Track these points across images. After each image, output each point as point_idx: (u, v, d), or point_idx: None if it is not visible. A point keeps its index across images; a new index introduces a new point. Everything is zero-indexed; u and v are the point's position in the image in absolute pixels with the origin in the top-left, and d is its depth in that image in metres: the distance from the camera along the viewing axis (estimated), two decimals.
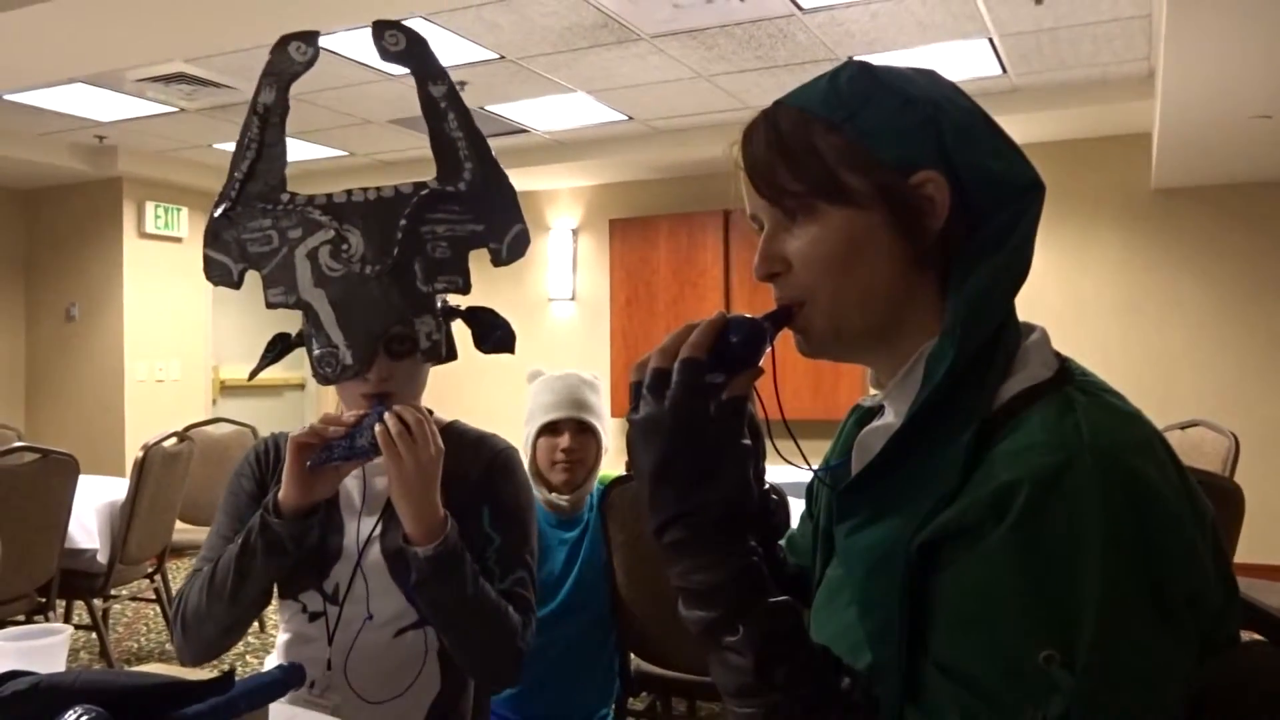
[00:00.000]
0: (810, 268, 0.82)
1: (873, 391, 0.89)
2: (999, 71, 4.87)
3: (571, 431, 2.25)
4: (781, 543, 1.06)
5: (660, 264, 6.69)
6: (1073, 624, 0.66)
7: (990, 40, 4.46)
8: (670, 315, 6.64)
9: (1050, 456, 0.69)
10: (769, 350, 0.81)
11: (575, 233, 7.20)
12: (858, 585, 0.79)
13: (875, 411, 0.91)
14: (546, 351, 7.13)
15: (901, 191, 0.79)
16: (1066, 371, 0.78)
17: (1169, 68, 3.78)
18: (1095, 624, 0.66)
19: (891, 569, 0.74)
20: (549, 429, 2.27)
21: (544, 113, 5.62)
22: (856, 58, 0.86)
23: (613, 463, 2.55)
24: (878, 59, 3.58)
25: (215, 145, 6.36)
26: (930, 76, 0.85)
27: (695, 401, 0.76)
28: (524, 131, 5.98)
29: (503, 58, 4.62)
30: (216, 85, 5.02)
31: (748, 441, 0.79)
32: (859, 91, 0.82)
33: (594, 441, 2.32)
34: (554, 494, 2.31)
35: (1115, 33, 4.36)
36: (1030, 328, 0.82)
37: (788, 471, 0.97)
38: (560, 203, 7.24)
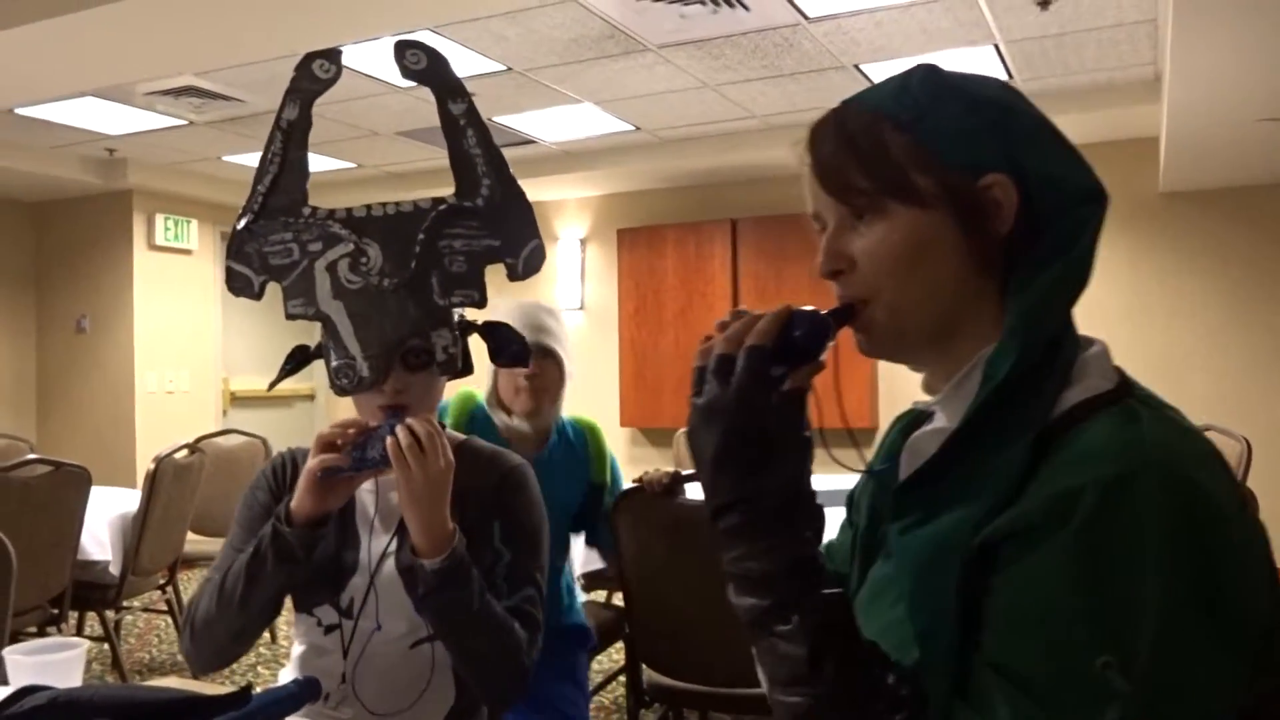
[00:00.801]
0: (876, 266, 0.82)
1: (925, 397, 0.90)
2: (1005, 77, 4.88)
3: (534, 356, 2.24)
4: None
5: (668, 273, 6.70)
6: (1132, 632, 0.66)
7: (996, 46, 4.47)
8: (678, 325, 6.65)
9: (1115, 465, 0.70)
10: (831, 346, 0.82)
11: (583, 242, 7.22)
12: (908, 583, 0.79)
13: (922, 418, 0.92)
14: None
15: (969, 193, 0.80)
16: (1127, 385, 0.79)
17: (1175, 72, 3.78)
18: (1154, 633, 0.66)
19: (946, 567, 0.74)
20: None
21: (551, 123, 5.64)
22: (925, 63, 0.86)
23: (582, 404, 2.54)
24: (884, 66, 3.61)
25: (225, 157, 6.39)
26: (999, 82, 0.86)
27: (759, 388, 0.77)
28: (531, 142, 6.00)
29: (510, 69, 4.63)
30: (226, 98, 5.05)
31: (808, 433, 0.79)
32: (929, 93, 0.83)
33: (555, 367, 2.32)
34: (514, 419, 2.31)
35: (1121, 38, 4.36)
36: (1090, 340, 0.82)
37: (820, 480, 0.98)
38: (568, 213, 7.25)
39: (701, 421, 0.79)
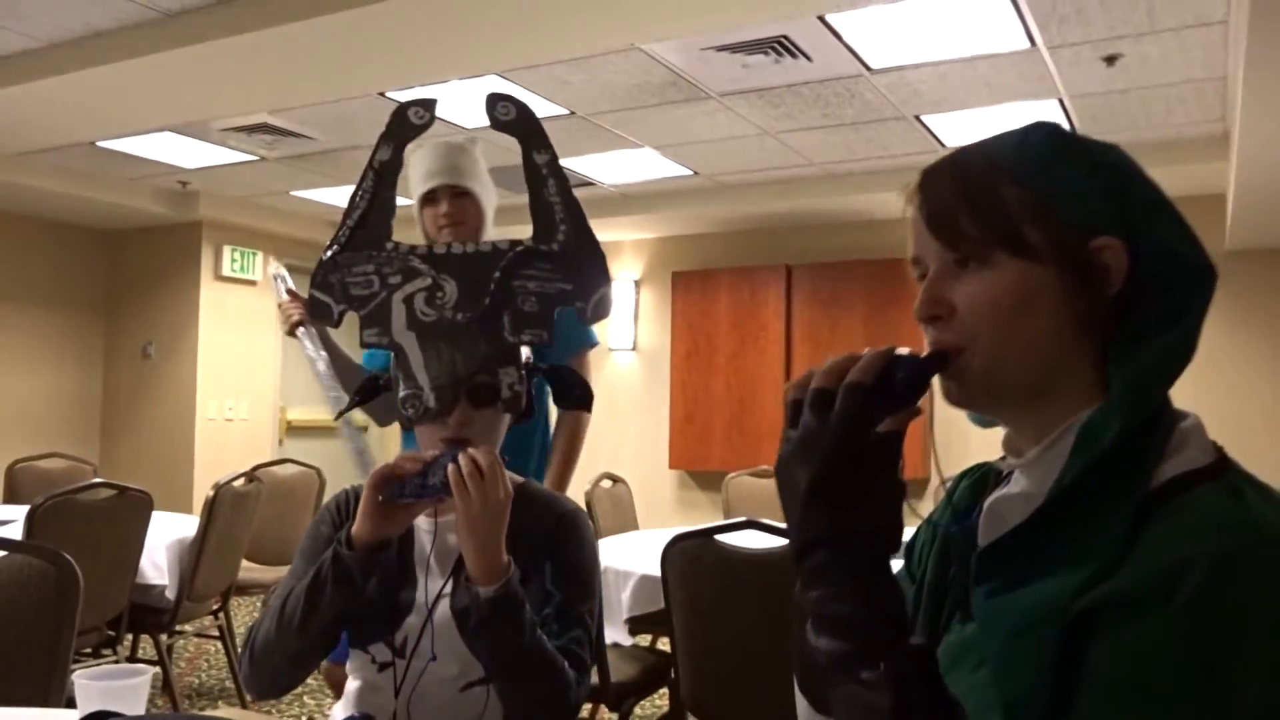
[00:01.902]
0: (977, 314, 0.82)
1: (1009, 458, 0.88)
2: None
3: (448, 197, 2.34)
4: None
5: (721, 317, 6.71)
6: (1234, 711, 0.65)
7: (1060, 101, 4.45)
8: (730, 369, 6.64)
9: (1223, 541, 0.69)
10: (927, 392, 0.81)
11: (638, 284, 7.27)
12: (996, 648, 0.77)
13: (995, 477, 0.90)
14: (606, 402, 7.15)
15: (1081, 253, 0.80)
16: (1226, 460, 0.78)
17: (1245, 129, 3.74)
18: (1257, 713, 0.65)
19: (1039, 635, 0.73)
20: (428, 198, 2.38)
21: (611, 167, 5.71)
22: (1046, 121, 0.87)
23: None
24: (945, 118, 3.62)
25: (293, 192, 6.56)
26: (1117, 149, 0.86)
27: (858, 424, 0.77)
28: (590, 184, 6.08)
29: (573, 113, 4.71)
30: (297, 135, 5.20)
31: (903, 479, 0.78)
32: (1051, 151, 0.83)
33: (473, 204, 2.38)
34: None
35: (1188, 94, 4.32)
36: (1184, 413, 0.81)
37: None
38: (624, 254, 7.32)
39: (796, 454, 0.78)
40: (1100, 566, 0.72)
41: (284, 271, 2.46)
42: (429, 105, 1.46)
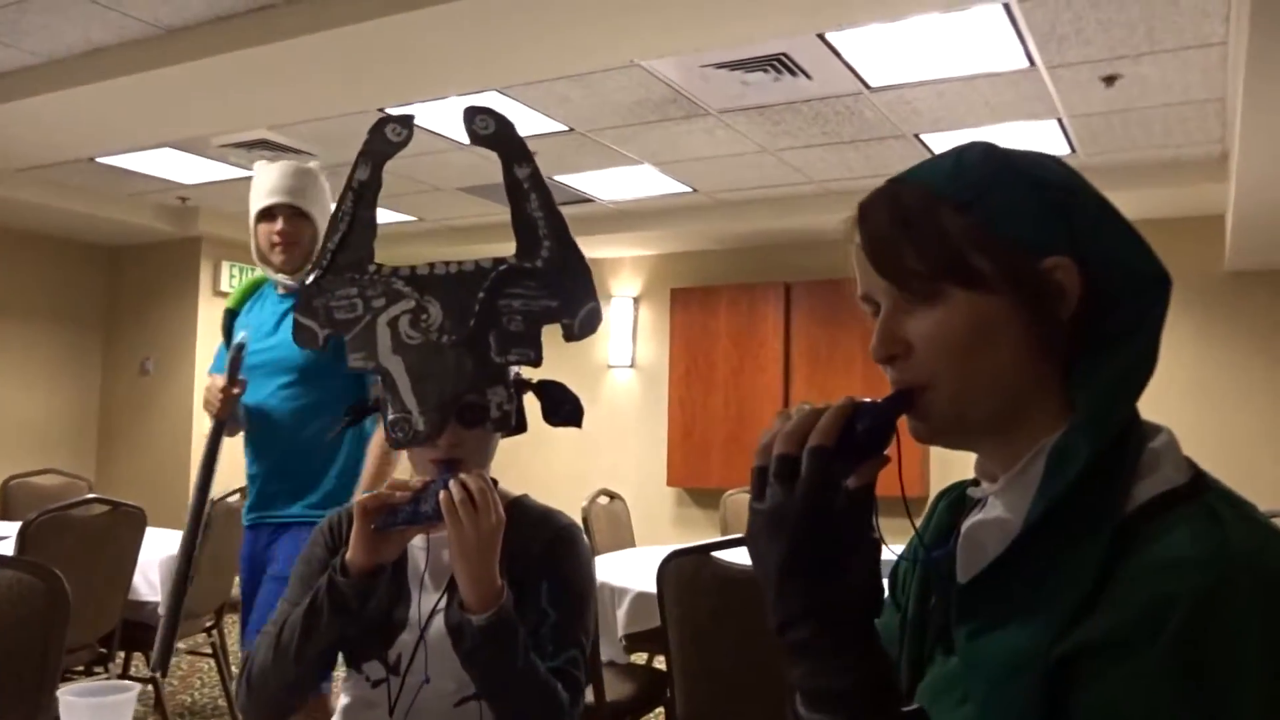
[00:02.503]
0: (934, 352, 0.79)
1: (982, 483, 0.86)
2: (1068, 151, 4.86)
3: (285, 216, 2.47)
4: None
5: (720, 334, 6.71)
6: None
7: (1060, 120, 4.46)
8: (729, 386, 6.63)
9: (1205, 574, 0.67)
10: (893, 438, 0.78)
11: (636, 301, 7.27)
12: (981, 692, 0.75)
13: (969, 499, 0.88)
14: (604, 418, 7.15)
15: (1032, 276, 0.77)
16: (1202, 478, 0.76)
17: (1244, 151, 3.74)
18: None
19: (1023, 681, 0.71)
20: (266, 214, 2.49)
21: (610, 183, 5.71)
22: (980, 140, 0.84)
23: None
24: (945, 137, 3.62)
25: None
26: (1058, 161, 0.83)
27: (826, 492, 0.74)
28: (589, 201, 6.09)
29: (572, 130, 4.72)
30: (296, 151, 5.20)
31: (877, 535, 0.76)
32: (989, 172, 0.80)
33: (309, 226, 2.50)
34: (279, 274, 2.53)
35: (1188, 115, 4.32)
36: (1156, 427, 0.79)
37: None
38: (623, 271, 7.32)
39: (766, 528, 0.75)
40: (1076, 602, 0.70)
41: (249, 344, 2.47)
42: (406, 122, 1.45)
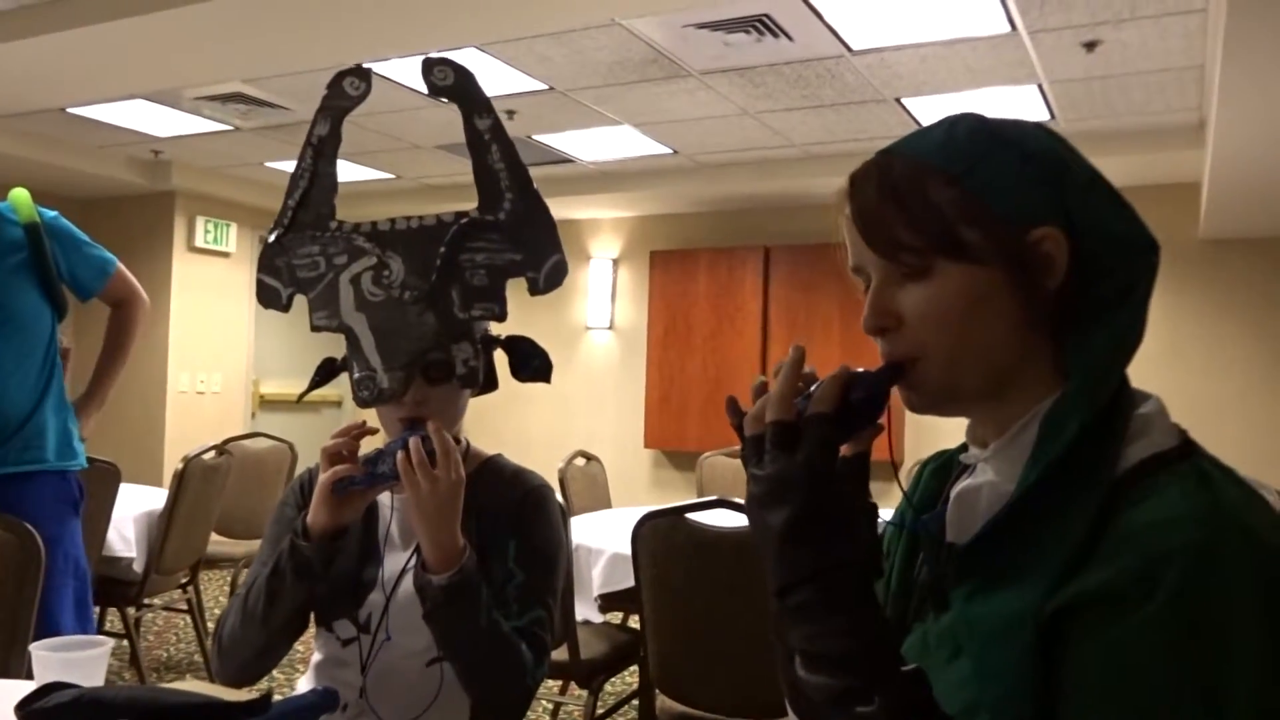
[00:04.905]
0: (925, 324, 0.80)
1: (972, 448, 0.87)
2: (1048, 117, 4.85)
3: None
4: None
5: (699, 297, 6.70)
6: (1223, 710, 0.65)
7: (1040, 86, 4.45)
8: (707, 349, 6.64)
9: (1199, 532, 0.68)
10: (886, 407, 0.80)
11: (615, 263, 7.24)
12: (977, 648, 0.77)
13: (957, 465, 0.89)
14: (582, 380, 7.15)
15: (1020, 247, 0.79)
16: (1190, 443, 0.77)
17: (1221, 118, 3.75)
18: (1248, 705, 0.65)
19: (1018, 638, 0.73)
20: None
21: (590, 144, 5.67)
22: (970, 111, 0.85)
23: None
24: (926, 101, 3.61)
25: (267, 163, 6.48)
26: (1048, 131, 0.84)
27: (829, 458, 0.76)
28: (569, 161, 6.04)
29: (552, 89, 4.67)
30: (271, 105, 5.13)
31: (873, 500, 0.78)
32: (979, 144, 0.81)
33: None
34: None
35: (1167, 82, 4.33)
36: (1144, 395, 0.80)
37: None
38: (602, 233, 7.29)
39: (769, 494, 0.76)
40: (1068, 561, 0.72)
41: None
42: (364, 75, 1.42)
